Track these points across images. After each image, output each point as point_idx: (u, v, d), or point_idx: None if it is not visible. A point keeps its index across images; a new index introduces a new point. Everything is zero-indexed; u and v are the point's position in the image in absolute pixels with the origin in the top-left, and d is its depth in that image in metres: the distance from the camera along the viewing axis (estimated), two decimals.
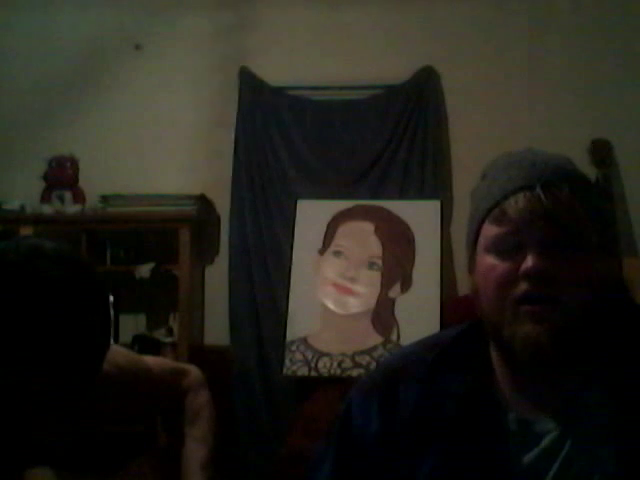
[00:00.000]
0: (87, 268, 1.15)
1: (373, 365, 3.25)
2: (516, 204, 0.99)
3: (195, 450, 1.56)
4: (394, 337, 3.34)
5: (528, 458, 1.01)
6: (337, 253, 3.50)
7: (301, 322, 3.43)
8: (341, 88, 3.86)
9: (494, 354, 1.07)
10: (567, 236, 0.98)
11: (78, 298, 1.09)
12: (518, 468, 1.01)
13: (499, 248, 1.00)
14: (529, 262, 0.97)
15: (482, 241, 1.03)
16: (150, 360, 1.60)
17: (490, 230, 1.02)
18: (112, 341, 1.22)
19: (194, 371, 1.66)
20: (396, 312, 3.38)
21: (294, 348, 3.40)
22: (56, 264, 1.09)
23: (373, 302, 3.40)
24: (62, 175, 3.93)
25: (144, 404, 1.53)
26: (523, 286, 0.97)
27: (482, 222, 1.03)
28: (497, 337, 1.02)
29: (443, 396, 1.07)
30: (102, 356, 1.15)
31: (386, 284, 3.42)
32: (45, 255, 1.10)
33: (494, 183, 1.03)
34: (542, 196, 0.97)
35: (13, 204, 3.85)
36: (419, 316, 3.27)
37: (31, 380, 1.06)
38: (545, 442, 1.01)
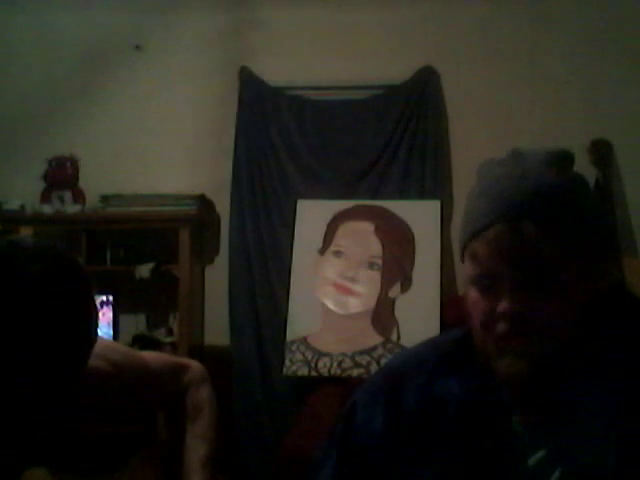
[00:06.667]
0: (68, 263, 1.13)
1: (373, 365, 3.25)
2: (486, 245, 0.98)
3: (195, 447, 1.53)
4: (394, 337, 3.34)
5: (532, 461, 1.01)
6: (337, 253, 3.50)
7: (301, 322, 3.43)
8: (341, 88, 3.87)
9: None
10: (537, 274, 0.97)
11: (58, 293, 1.08)
12: (522, 470, 1.01)
13: (477, 286, 1.01)
14: (503, 305, 0.97)
15: (465, 272, 1.04)
16: (149, 356, 1.57)
17: (467, 267, 1.02)
18: (111, 339, 1.21)
19: (195, 366, 1.61)
20: (396, 312, 3.38)
21: (294, 348, 3.40)
22: (35, 260, 1.08)
23: (373, 302, 3.40)
24: (62, 175, 3.94)
25: (143, 401, 1.51)
26: (502, 326, 0.98)
27: (463, 255, 1.04)
28: (487, 366, 1.02)
29: (446, 398, 1.06)
30: (87, 351, 1.13)
31: (386, 284, 3.41)
32: (23, 251, 1.09)
33: (466, 216, 1.03)
34: (507, 235, 0.96)
35: (13, 204, 3.85)
36: (419, 316, 3.27)
37: (14, 378, 1.05)
38: (549, 445, 1.01)
